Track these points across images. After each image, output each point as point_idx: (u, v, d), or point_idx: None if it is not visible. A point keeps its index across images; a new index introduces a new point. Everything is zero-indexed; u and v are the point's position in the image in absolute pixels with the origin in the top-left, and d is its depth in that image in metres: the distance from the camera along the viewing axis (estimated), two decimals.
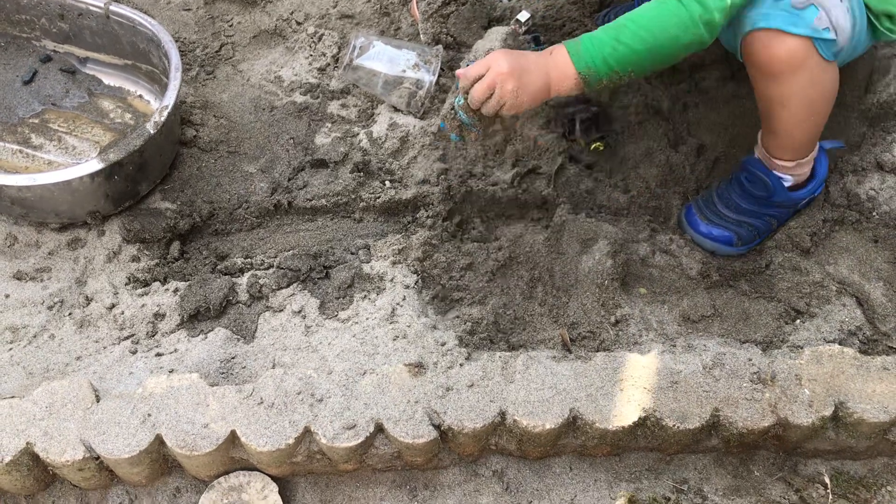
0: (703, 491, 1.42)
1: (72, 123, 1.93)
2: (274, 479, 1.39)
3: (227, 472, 1.39)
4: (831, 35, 1.38)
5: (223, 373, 1.47)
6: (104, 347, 1.53)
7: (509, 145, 1.85)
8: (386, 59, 1.93)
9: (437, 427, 1.31)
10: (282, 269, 1.64)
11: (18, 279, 1.65)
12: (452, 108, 1.53)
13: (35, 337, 1.55)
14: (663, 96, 1.93)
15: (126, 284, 1.62)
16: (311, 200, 1.77)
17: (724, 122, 1.89)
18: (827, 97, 1.48)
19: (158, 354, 1.51)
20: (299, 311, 1.57)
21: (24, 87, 1.99)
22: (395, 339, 1.50)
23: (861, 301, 1.61)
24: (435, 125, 1.82)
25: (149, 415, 1.31)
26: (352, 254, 1.69)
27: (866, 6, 1.46)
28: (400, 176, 1.82)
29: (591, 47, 1.41)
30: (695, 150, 1.85)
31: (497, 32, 1.60)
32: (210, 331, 1.55)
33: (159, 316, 1.57)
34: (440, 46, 1.97)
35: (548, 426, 1.30)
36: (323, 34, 2.10)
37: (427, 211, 1.73)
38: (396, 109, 1.93)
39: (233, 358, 1.50)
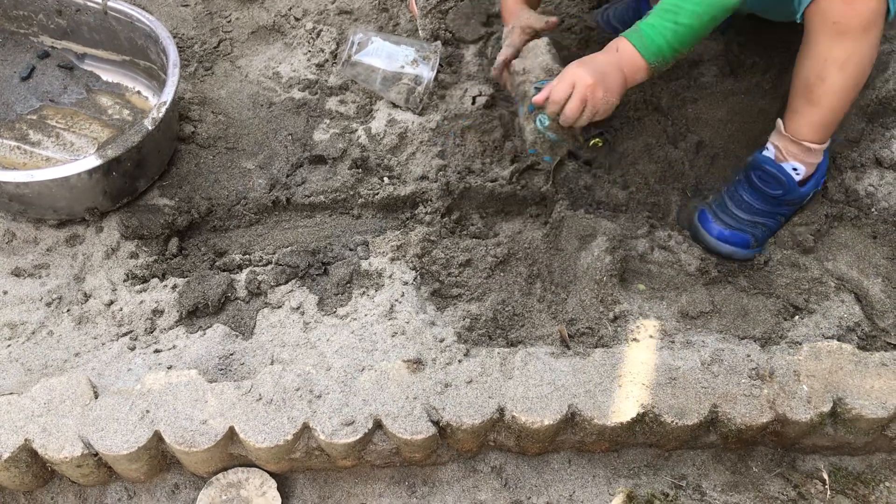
0: (702, 487, 1.42)
1: (70, 120, 1.93)
2: (272, 475, 1.39)
3: (225, 469, 1.39)
4: None
5: (222, 369, 1.47)
6: (102, 344, 1.53)
7: (507, 141, 1.85)
8: (384, 54, 1.92)
9: (436, 423, 1.31)
10: (280, 265, 1.64)
11: (17, 276, 1.64)
12: (539, 133, 1.53)
13: (33, 333, 1.55)
14: (662, 92, 1.93)
15: (124, 281, 1.62)
16: (309, 197, 1.76)
17: (722, 118, 1.89)
18: (870, 67, 1.51)
19: (157, 351, 1.51)
20: (298, 308, 1.57)
21: (21, 84, 1.99)
22: (393, 336, 1.50)
23: (859, 297, 1.61)
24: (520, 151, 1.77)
25: (147, 411, 1.31)
26: (350, 250, 1.68)
27: None
28: (398, 172, 1.82)
29: (654, 35, 1.44)
30: (693, 147, 1.85)
31: (540, 46, 1.60)
32: (208, 327, 1.55)
33: (158, 312, 1.57)
34: (439, 42, 1.97)
35: (546, 422, 1.30)
36: (321, 30, 2.09)
37: (426, 207, 1.73)
38: (395, 105, 1.93)
39: (231, 354, 1.50)
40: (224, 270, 1.65)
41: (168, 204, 1.73)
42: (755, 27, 1.93)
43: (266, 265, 1.66)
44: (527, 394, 1.33)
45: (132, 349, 1.52)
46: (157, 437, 1.30)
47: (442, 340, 1.48)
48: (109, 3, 1.87)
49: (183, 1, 2.20)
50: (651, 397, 1.33)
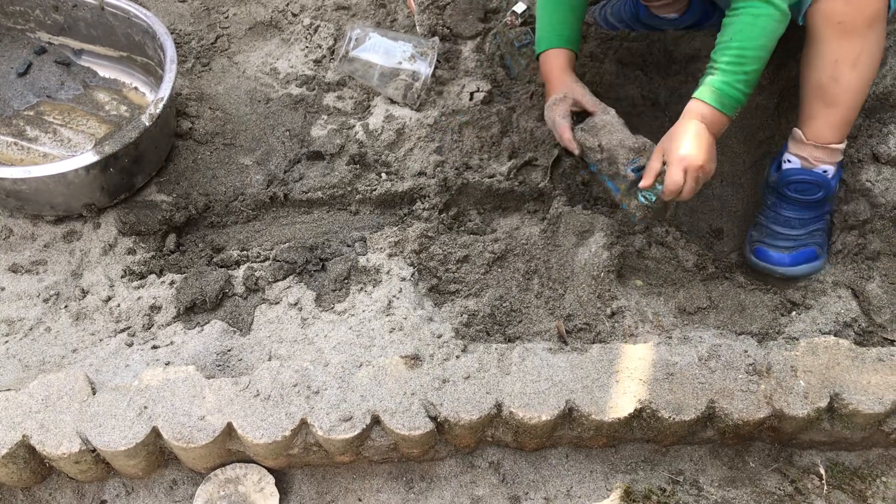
0: (699, 482, 1.42)
1: (67, 115, 1.93)
2: (270, 471, 1.39)
3: (223, 465, 1.39)
4: None
5: (219, 365, 1.47)
6: (100, 340, 1.53)
7: (505, 137, 1.85)
8: (382, 50, 1.92)
9: (434, 419, 1.31)
10: (278, 261, 1.64)
11: (14, 272, 1.64)
12: (647, 207, 1.58)
13: (31, 330, 1.55)
14: (660, 88, 1.93)
15: (122, 277, 1.62)
16: (307, 193, 1.76)
17: None
18: (880, 59, 1.52)
19: (154, 347, 1.51)
20: (295, 304, 1.57)
21: (18, 79, 1.98)
22: (391, 332, 1.50)
23: (856, 293, 1.61)
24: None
25: (145, 407, 1.31)
26: (348, 246, 1.68)
27: None
28: (396, 168, 1.82)
29: (730, 92, 1.47)
30: None
31: (614, 123, 1.61)
32: (206, 323, 1.54)
33: (155, 308, 1.57)
34: (436, 38, 1.97)
35: (544, 418, 1.30)
36: (319, 26, 2.09)
37: (423, 203, 1.73)
38: (393, 101, 1.92)
39: (229, 350, 1.50)
40: (222, 266, 1.65)
41: (165, 200, 1.73)
42: None
43: (264, 261, 1.66)
44: (524, 389, 1.33)
45: (130, 345, 1.52)
46: (155, 433, 1.30)
47: (440, 336, 1.48)
48: None
49: None
50: (648, 393, 1.33)
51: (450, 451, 1.43)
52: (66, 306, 1.58)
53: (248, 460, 1.39)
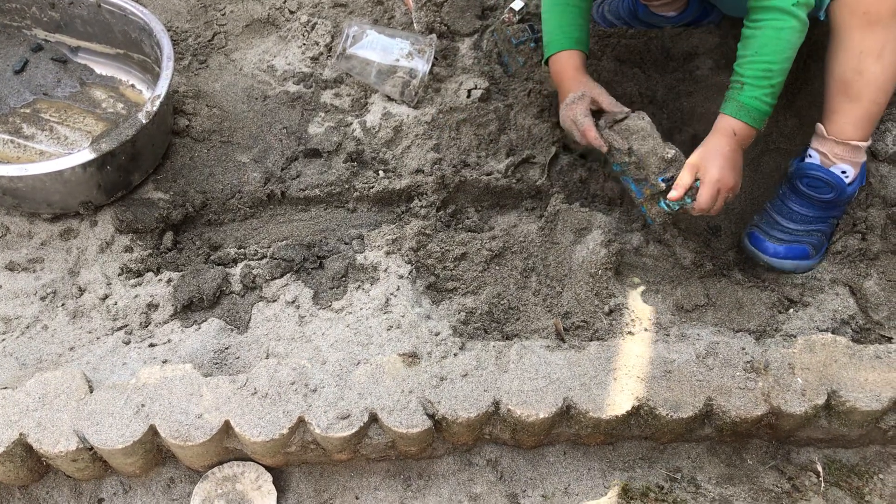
0: (697, 479, 1.43)
1: (63, 113, 1.92)
2: (268, 469, 1.39)
3: (221, 463, 1.39)
4: None
5: (217, 363, 1.47)
6: (97, 338, 1.53)
7: (503, 134, 1.85)
8: (379, 48, 1.92)
9: (431, 416, 1.31)
10: (275, 259, 1.64)
11: (11, 270, 1.64)
12: (668, 214, 1.60)
13: (28, 328, 1.55)
14: (658, 85, 1.93)
15: (119, 275, 1.62)
16: (304, 190, 1.76)
17: (717, 112, 1.88)
18: None
19: (152, 345, 1.51)
20: (293, 302, 1.57)
21: (14, 77, 1.98)
22: (388, 329, 1.50)
23: (854, 290, 1.61)
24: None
25: (142, 405, 1.31)
26: (345, 244, 1.68)
27: None
28: (394, 165, 1.81)
29: (759, 105, 1.49)
30: (689, 140, 1.85)
31: (645, 128, 1.62)
32: (203, 321, 1.54)
33: (153, 306, 1.57)
34: (434, 35, 1.96)
35: (541, 415, 1.30)
36: (316, 23, 2.09)
37: (421, 201, 1.73)
38: (390, 99, 1.92)
39: (226, 348, 1.50)
40: (219, 264, 1.65)
41: (162, 198, 1.72)
42: None
43: (261, 259, 1.66)
44: (522, 387, 1.33)
45: (127, 343, 1.51)
46: (153, 431, 1.30)
47: (437, 334, 1.48)
48: None
49: None
50: (646, 390, 1.33)
51: (447, 449, 1.43)
52: (63, 304, 1.58)
53: (245, 458, 1.39)
